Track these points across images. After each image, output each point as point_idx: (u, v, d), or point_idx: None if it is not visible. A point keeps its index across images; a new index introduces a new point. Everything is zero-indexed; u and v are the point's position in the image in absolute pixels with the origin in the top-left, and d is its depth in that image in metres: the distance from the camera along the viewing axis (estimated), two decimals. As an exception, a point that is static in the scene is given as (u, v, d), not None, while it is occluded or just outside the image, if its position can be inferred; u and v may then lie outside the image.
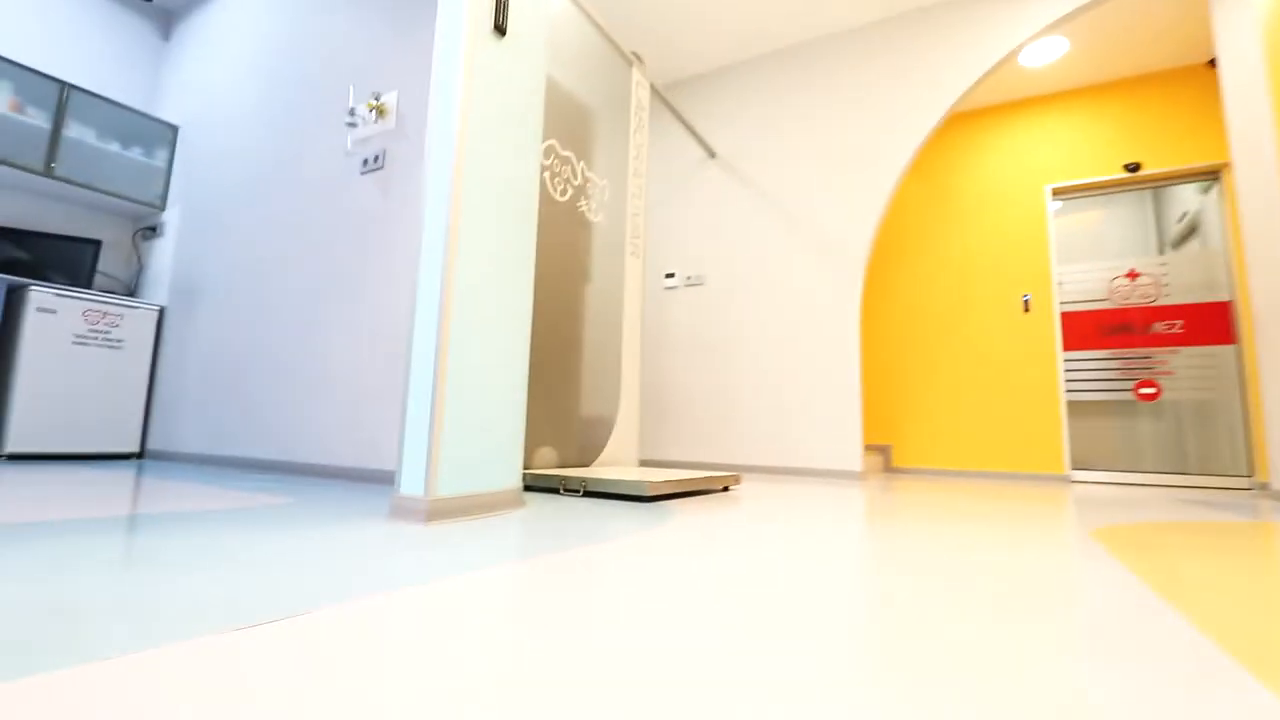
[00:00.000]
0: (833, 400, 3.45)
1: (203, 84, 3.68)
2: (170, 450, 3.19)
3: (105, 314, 3.24)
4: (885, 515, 1.78)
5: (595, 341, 2.77)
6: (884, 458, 4.32)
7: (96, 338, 3.20)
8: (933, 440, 4.20)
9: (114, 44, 3.85)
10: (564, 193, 2.61)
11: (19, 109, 3.21)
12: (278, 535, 1.20)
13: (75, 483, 2.02)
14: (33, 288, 3.01)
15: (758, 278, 3.84)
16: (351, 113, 2.69)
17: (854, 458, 3.33)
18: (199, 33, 3.81)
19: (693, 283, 4.09)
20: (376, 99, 2.62)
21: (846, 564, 1.08)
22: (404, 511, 1.45)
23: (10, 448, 2.89)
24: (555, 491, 2.17)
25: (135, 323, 3.34)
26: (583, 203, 2.74)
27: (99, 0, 3.79)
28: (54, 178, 3.27)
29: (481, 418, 1.60)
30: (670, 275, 4.20)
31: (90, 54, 3.74)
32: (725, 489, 2.50)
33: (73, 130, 3.38)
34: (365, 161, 2.65)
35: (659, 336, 4.17)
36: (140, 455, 3.34)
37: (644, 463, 4.07)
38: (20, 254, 3.30)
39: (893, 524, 1.61)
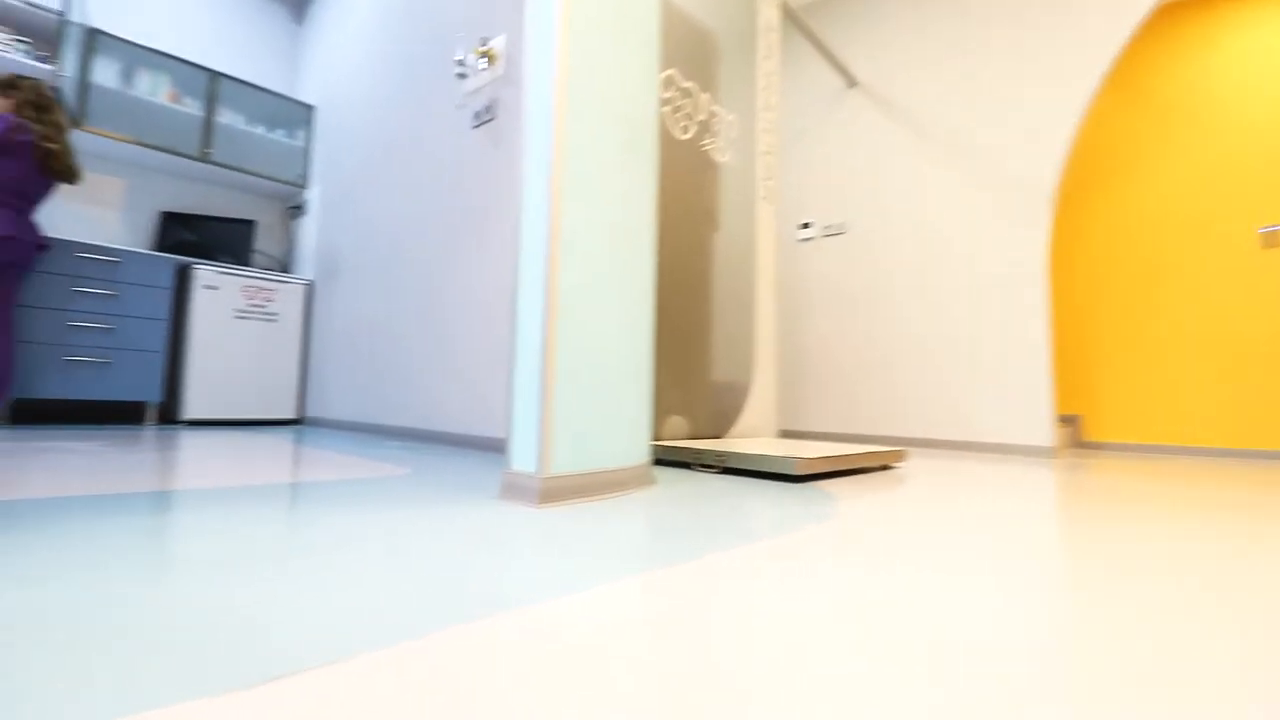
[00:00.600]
0: (1014, 362, 2.88)
1: (331, 61, 3.76)
2: (324, 417, 3.36)
3: (261, 289, 3.44)
4: (1116, 505, 1.34)
5: (725, 296, 2.47)
6: (1072, 430, 3.63)
7: (255, 312, 3.41)
8: (1136, 409, 3.43)
9: (254, 31, 4.05)
10: (686, 130, 2.30)
11: (177, 99, 3.44)
12: (384, 515, 1.05)
13: (223, 448, 2.09)
14: (198, 266, 3.24)
15: (911, 223, 3.29)
16: (460, 63, 2.55)
17: (1043, 430, 2.76)
18: (325, 11, 3.89)
19: (833, 232, 3.62)
20: (484, 45, 2.45)
21: (1119, 581, 0.72)
22: (516, 490, 1.27)
23: (190, 414, 3.17)
24: (686, 466, 1.93)
25: (287, 297, 3.53)
26: (708, 140, 2.41)
27: (258, 7, 3.98)
28: (210, 162, 3.50)
29: (600, 383, 1.37)
30: (805, 225, 3.74)
31: (235, 41, 3.96)
32: (885, 467, 2.12)
33: (224, 116, 3.58)
34: (476, 115, 2.51)
35: (795, 292, 3.75)
36: (299, 421, 3.56)
37: (784, 434, 3.72)
38: (189, 236, 3.59)
39: (1136, 519, 1.18)
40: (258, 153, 3.76)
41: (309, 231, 3.78)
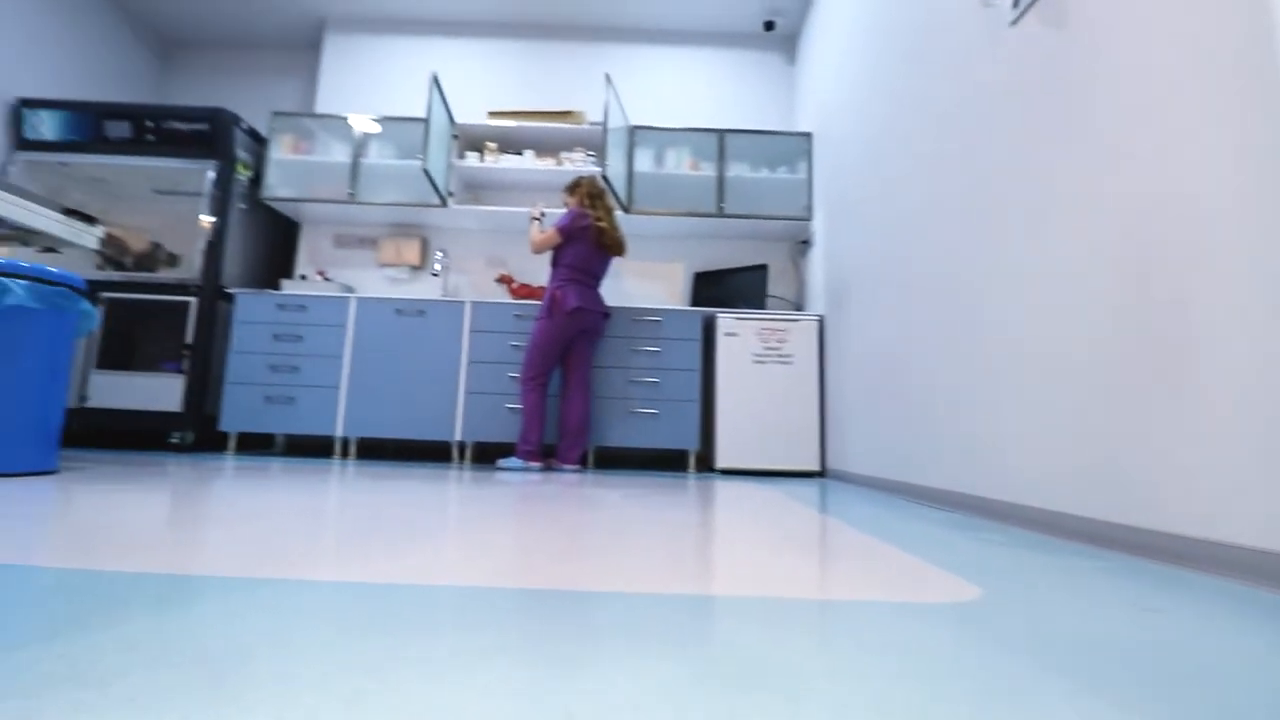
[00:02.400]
0: None
1: (822, 84, 3.43)
2: (845, 470, 2.85)
3: (774, 330, 3.25)
4: None
5: None
6: None
7: (770, 355, 3.23)
8: None
9: (755, 82, 4.13)
10: None
11: (695, 166, 3.68)
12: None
13: (744, 508, 1.73)
14: (720, 315, 3.27)
15: None
16: (987, -58, 1.71)
17: None
18: (812, 43, 3.64)
19: None
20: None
21: None
22: None
23: (722, 462, 3.14)
24: None
25: (799, 336, 3.24)
26: None
27: (746, 54, 4.15)
28: (724, 216, 3.59)
29: None
30: None
31: (738, 98, 4.11)
32: None
33: (731, 169, 3.66)
34: (1015, 3, 1.61)
35: None
36: (821, 474, 3.16)
37: None
38: (714, 291, 3.75)
39: None
40: (765, 195, 3.72)
41: (816, 265, 3.46)
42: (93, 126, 3.45)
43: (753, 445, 3.14)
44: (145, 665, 0.48)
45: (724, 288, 3.73)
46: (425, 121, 3.27)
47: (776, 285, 3.88)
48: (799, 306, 3.78)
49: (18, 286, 1.75)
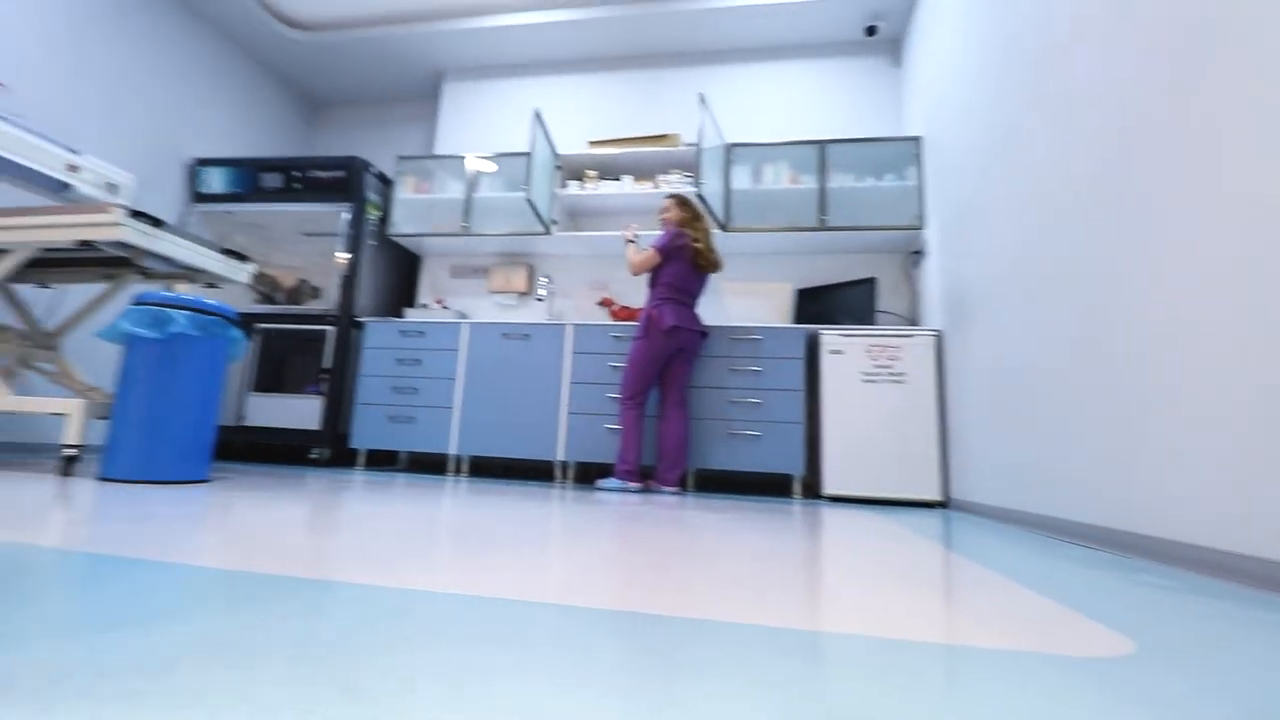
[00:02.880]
0: None
1: (929, 75, 3.22)
2: (969, 500, 2.58)
3: (885, 347, 3.04)
4: None
5: None
6: None
7: (881, 373, 3.02)
8: None
9: (858, 89, 3.97)
10: None
11: (794, 180, 3.57)
12: None
13: (856, 540, 1.60)
14: (824, 332, 3.12)
15: None
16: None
17: None
18: (919, 43, 3.44)
19: None
20: None
21: None
22: None
23: (829, 489, 2.96)
24: None
25: (913, 352, 3.01)
26: None
27: (846, 62, 4.00)
28: (827, 229, 3.44)
29: None
30: None
31: (840, 106, 3.96)
32: None
33: (834, 181, 3.51)
34: (1168, -37, 1.40)
35: None
36: (943, 504, 2.89)
37: None
38: (818, 307, 3.59)
39: None
40: (871, 205, 3.53)
41: (930, 275, 3.21)
42: (251, 179, 3.94)
43: (864, 471, 2.94)
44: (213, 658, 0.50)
45: (829, 304, 3.56)
46: (528, 155, 3.43)
47: (888, 300, 3.65)
48: (913, 321, 3.53)
49: (180, 316, 2.00)
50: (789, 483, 3.18)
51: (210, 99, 4.21)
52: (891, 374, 3.01)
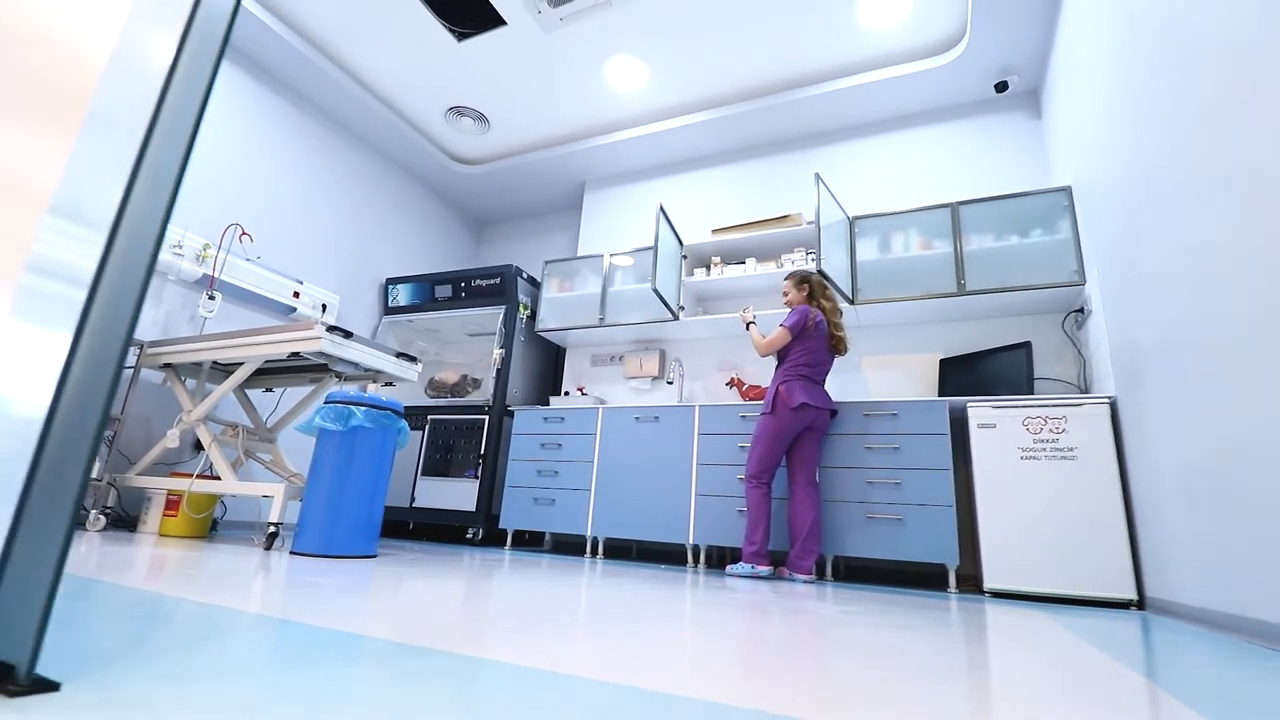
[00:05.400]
0: None
1: (1076, 122, 2.99)
2: (1175, 601, 2.12)
3: (1046, 418, 2.71)
4: None
5: None
6: None
7: (1043, 448, 2.68)
8: None
9: (996, 144, 3.77)
10: None
11: (927, 246, 3.42)
12: None
13: (1029, 666, 1.42)
14: (971, 405, 2.86)
15: None
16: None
17: None
18: (1059, 93, 3.23)
19: None
20: None
21: None
22: None
23: (991, 583, 2.61)
24: None
25: (1082, 423, 2.64)
26: None
27: (977, 121, 3.86)
28: (967, 293, 3.22)
29: None
30: None
31: (977, 167, 3.77)
32: None
33: (972, 243, 3.31)
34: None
35: None
36: (1139, 604, 2.40)
37: None
38: (965, 377, 3.31)
39: None
40: (1016, 264, 3.25)
41: (1098, 335, 2.84)
42: (428, 291, 4.63)
43: (1033, 562, 2.56)
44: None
45: (980, 373, 3.26)
46: (654, 248, 3.67)
47: (1050, 366, 3.26)
48: (1084, 389, 3.11)
49: (359, 412, 2.38)
50: (944, 574, 2.85)
51: (398, 226, 5.08)
52: (1056, 449, 2.65)
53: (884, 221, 3.57)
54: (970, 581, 2.94)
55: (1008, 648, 1.32)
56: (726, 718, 0.67)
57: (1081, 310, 3.10)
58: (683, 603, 1.69)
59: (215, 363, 3.06)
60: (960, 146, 3.87)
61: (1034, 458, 2.68)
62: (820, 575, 2.96)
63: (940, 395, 3.35)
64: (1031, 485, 2.64)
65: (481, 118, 4.56)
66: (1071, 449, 2.62)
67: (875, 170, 4.06)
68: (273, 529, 2.44)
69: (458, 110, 4.49)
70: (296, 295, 3.97)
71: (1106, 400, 2.63)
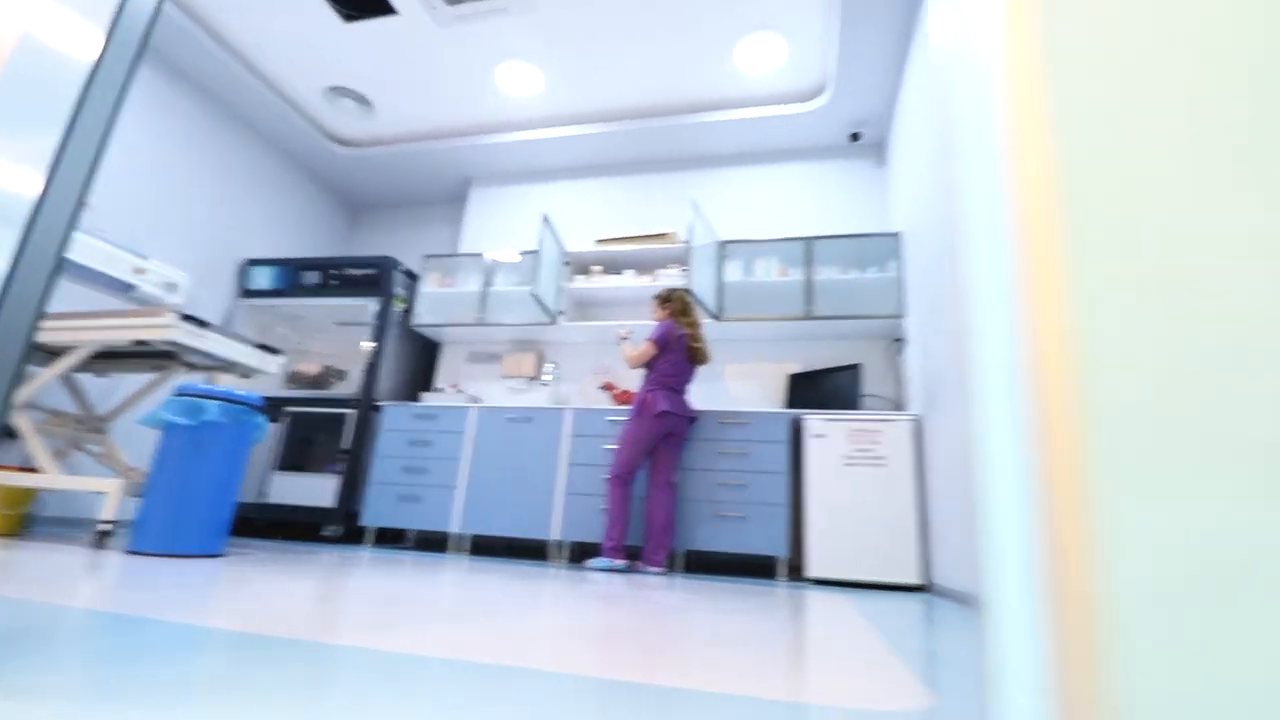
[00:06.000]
0: None
1: (907, 175, 3.50)
2: (947, 586, 2.61)
3: (866, 431, 3.16)
4: None
5: None
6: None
7: (862, 456, 3.13)
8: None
9: (846, 188, 4.28)
10: None
11: (783, 273, 3.82)
12: None
13: (842, 621, 1.71)
14: (807, 416, 3.26)
15: None
16: None
17: None
18: (899, 147, 3.75)
19: None
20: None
21: None
22: None
23: (813, 571, 3.01)
24: None
25: (893, 437, 3.12)
26: None
27: (833, 164, 4.34)
28: (812, 318, 3.65)
29: None
30: None
31: (830, 207, 4.26)
32: None
33: (821, 273, 3.75)
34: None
35: None
36: (924, 588, 2.90)
37: None
38: (807, 392, 3.74)
39: None
40: (856, 296, 3.74)
41: (912, 363, 3.36)
42: (293, 276, 4.40)
43: (847, 554, 2.99)
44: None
45: (819, 389, 3.71)
46: (536, 253, 3.79)
47: (877, 385, 3.78)
48: (900, 406, 3.64)
49: (212, 406, 2.29)
50: (773, 565, 3.23)
51: (262, 205, 4.77)
52: (872, 458, 3.11)
53: (750, 248, 3.94)
54: (797, 571, 3.35)
55: (808, 624, 1.61)
56: (577, 685, 0.83)
57: (900, 339, 3.63)
58: (542, 595, 1.84)
59: (39, 344, 2.76)
60: (820, 185, 4.35)
61: (854, 464, 3.12)
62: (671, 567, 3.23)
63: (788, 406, 3.77)
64: (849, 488, 3.08)
65: (364, 100, 4.42)
66: (883, 458, 3.09)
67: (746, 198, 4.44)
68: (105, 527, 2.28)
69: (339, 90, 4.32)
70: (140, 272, 3.64)
71: (912, 418, 3.13)
